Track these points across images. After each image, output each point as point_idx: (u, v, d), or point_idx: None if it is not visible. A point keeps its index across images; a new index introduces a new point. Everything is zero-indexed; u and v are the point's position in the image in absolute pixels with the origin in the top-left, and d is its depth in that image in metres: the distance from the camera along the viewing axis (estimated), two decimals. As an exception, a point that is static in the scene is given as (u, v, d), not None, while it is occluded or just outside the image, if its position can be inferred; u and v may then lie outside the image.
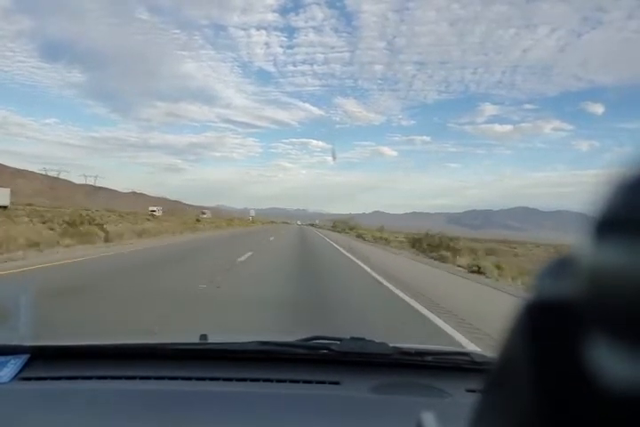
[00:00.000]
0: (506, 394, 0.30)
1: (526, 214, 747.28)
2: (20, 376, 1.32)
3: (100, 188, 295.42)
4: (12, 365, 1.35)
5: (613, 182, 0.26)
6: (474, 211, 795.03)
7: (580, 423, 0.25)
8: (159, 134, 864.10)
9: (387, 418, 1.17)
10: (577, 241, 0.27)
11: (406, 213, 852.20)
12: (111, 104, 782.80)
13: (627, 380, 0.23)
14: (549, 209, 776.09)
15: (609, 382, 0.23)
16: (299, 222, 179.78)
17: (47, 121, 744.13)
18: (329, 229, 78.37)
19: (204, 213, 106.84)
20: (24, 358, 1.39)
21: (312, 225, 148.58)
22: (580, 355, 0.25)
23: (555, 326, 0.27)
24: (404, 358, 1.41)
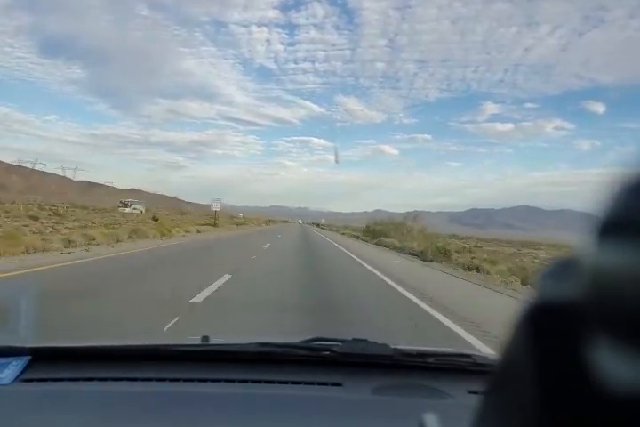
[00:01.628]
0: (508, 396, 0.30)
1: (528, 213, 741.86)
2: (21, 378, 1.32)
3: (96, 184, 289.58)
4: (14, 366, 1.35)
5: (615, 184, 0.26)
6: (475, 210, 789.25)
7: (582, 425, 0.25)
8: (160, 131, 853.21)
9: (389, 419, 1.17)
10: (579, 243, 0.27)
11: (408, 213, 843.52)
12: (111, 101, 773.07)
13: (629, 381, 0.23)
14: (552, 208, 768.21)
15: (611, 384, 0.23)
16: (300, 221, 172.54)
17: (48, 118, 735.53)
18: (351, 236, 44.77)
19: (125, 206, 62.68)
20: (25, 359, 1.38)
21: (317, 225, 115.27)
22: (583, 356, 0.25)
23: (557, 327, 0.27)
24: (405, 359, 1.41)
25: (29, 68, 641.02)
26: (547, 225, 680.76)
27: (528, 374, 0.27)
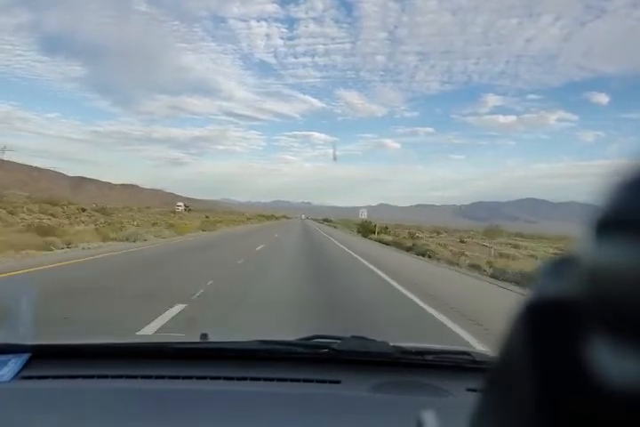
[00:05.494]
0: (506, 393, 0.30)
1: (535, 206, 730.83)
2: (20, 375, 1.31)
3: (90, 180, 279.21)
4: (13, 364, 1.35)
5: (615, 180, 0.26)
6: (481, 203, 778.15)
7: (580, 422, 0.25)
8: (161, 128, 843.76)
9: (387, 417, 1.17)
10: (578, 240, 0.26)
11: (412, 206, 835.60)
12: (113, 98, 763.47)
13: (627, 378, 0.23)
14: (558, 200, 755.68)
15: (609, 381, 0.23)
16: (303, 216, 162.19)
17: (49, 115, 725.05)
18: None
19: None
20: (25, 356, 1.38)
21: (364, 231, 33.43)
22: (581, 354, 0.25)
23: (555, 324, 0.27)
24: (404, 357, 1.40)
25: (30, 66, 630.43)
26: (553, 217, 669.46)
27: (526, 372, 0.27)
